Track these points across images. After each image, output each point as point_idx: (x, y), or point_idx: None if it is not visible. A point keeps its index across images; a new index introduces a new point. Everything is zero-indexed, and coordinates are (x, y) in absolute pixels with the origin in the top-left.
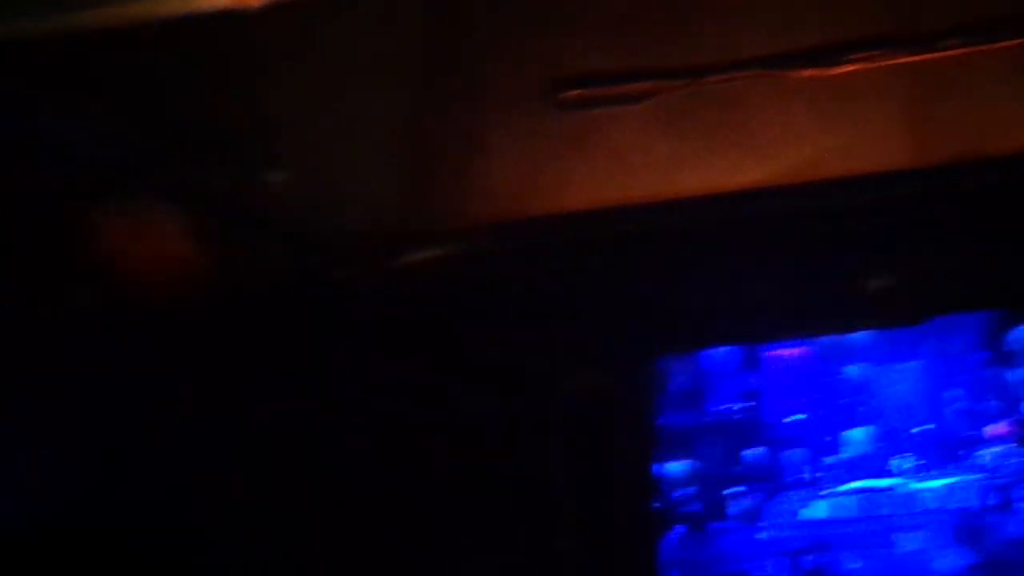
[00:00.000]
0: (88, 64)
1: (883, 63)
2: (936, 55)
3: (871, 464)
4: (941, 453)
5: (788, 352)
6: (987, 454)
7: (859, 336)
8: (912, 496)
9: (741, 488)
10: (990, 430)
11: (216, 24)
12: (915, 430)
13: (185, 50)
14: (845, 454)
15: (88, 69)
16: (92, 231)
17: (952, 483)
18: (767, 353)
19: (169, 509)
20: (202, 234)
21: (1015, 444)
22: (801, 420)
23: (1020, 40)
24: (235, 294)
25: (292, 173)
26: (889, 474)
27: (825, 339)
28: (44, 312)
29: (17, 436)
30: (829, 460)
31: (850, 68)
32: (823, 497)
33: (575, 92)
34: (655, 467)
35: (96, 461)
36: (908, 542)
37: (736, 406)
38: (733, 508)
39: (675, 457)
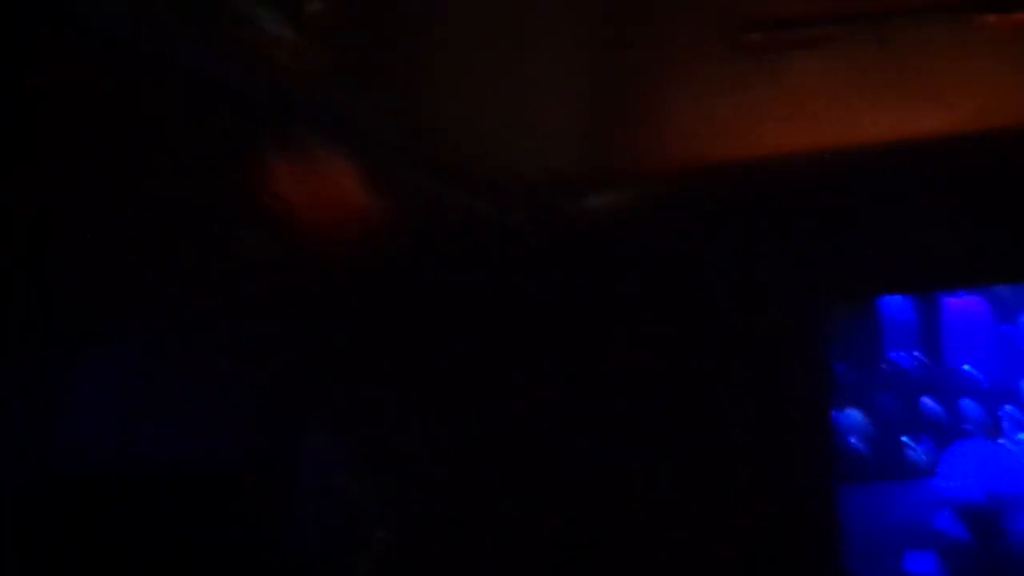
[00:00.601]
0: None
1: None
2: None
3: None
4: None
5: (966, 301)
6: None
7: None
8: None
9: (917, 437)
10: None
11: None
12: None
13: None
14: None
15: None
16: (263, 173)
17: None
18: (945, 302)
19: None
20: (375, 178)
21: None
22: (978, 369)
23: None
24: (410, 239)
25: (470, 117)
26: None
27: (1004, 288)
28: (212, 252)
29: (179, 375)
30: (1007, 409)
31: None
32: (999, 446)
33: (759, 36)
34: (831, 413)
35: (258, 404)
36: None
37: (913, 354)
38: (909, 457)
39: (851, 405)
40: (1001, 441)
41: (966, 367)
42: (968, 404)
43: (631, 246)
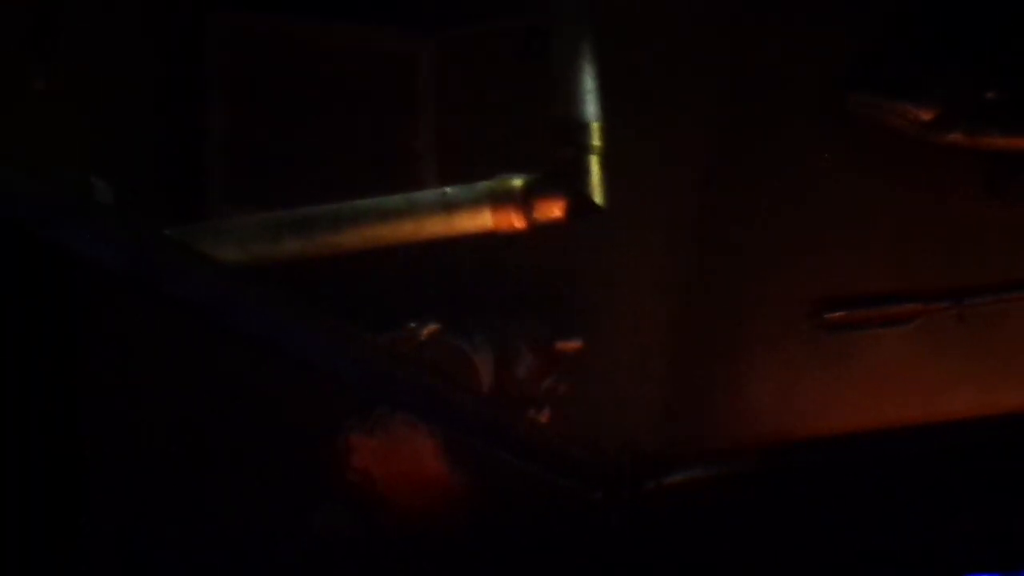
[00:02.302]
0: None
1: None
2: None
3: None
4: None
5: None
6: None
7: None
8: None
9: None
10: None
11: (480, 244)
12: None
13: (447, 268)
14: None
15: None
16: (347, 451)
17: None
18: None
19: None
20: (457, 453)
21: None
22: None
23: None
24: (491, 513)
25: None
26: None
27: None
28: (300, 531)
29: None
30: None
31: None
32: None
33: (840, 314)
34: None
35: None
36: None
37: None
38: None
39: None
40: None
41: None
42: None
43: (712, 524)
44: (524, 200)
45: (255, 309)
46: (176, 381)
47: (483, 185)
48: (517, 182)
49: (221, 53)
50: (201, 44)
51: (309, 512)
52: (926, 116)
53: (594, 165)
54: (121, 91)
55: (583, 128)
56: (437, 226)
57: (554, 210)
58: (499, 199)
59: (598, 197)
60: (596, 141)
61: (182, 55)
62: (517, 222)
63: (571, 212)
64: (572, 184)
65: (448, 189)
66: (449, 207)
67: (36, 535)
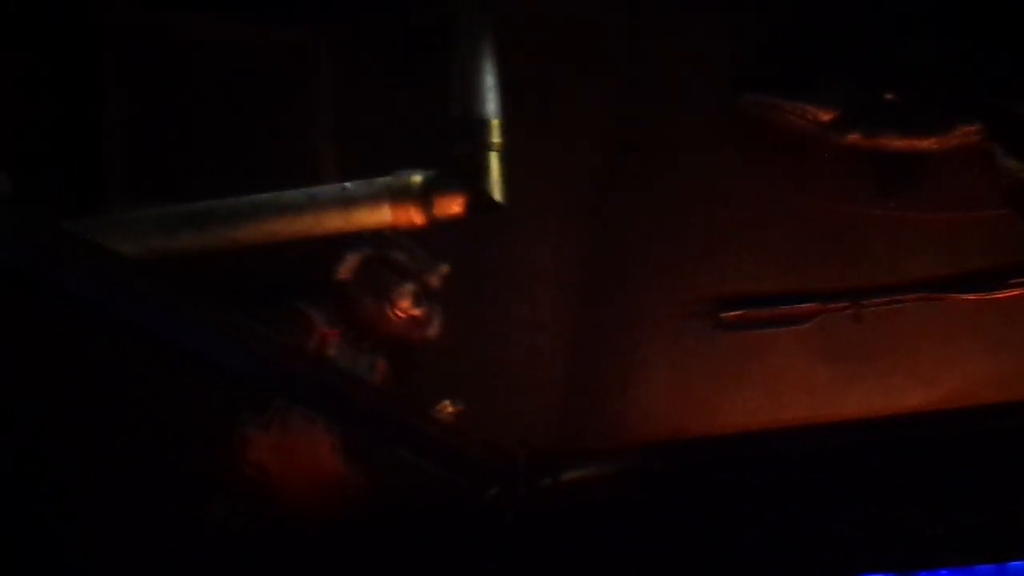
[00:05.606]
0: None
1: None
2: None
3: None
4: None
5: None
6: None
7: (1017, 566)
8: None
9: None
10: None
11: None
12: None
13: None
14: None
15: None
16: (243, 444)
17: None
18: None
19: None
20: (352, 449)
21: None
22: None
23: None
24: (386, 510)
25: (449, 392)
26: None
27: (983, 568)
28: (190, 525)
29: None
30: None
31: (1013, 293)
32: None
33: (736, 313)
34: None
35: None
36: None
37: None
38: None
39: None
40: None
41: None
42: None
43: (607, 521)
44: (424, 196)
45: (152, 303)
46: (69, 375)
47: (382, 181)
48: (417, 178)
49: (119, 46)
50: (99, 36)
51: (203, 507)
52: (825, 116)
53: (493, 162)
54: (20, 84)
55: (482, 125)
56: (336, 221)
57: (453, 206)
58: (398, 195)
59: (497, 194)
60: (495, 138)
61: (80, 48)
62: (416, 218)
63: (470, 208)
64: (471, 180)
65: (348, 184)
66: (348, 202)
67: None
